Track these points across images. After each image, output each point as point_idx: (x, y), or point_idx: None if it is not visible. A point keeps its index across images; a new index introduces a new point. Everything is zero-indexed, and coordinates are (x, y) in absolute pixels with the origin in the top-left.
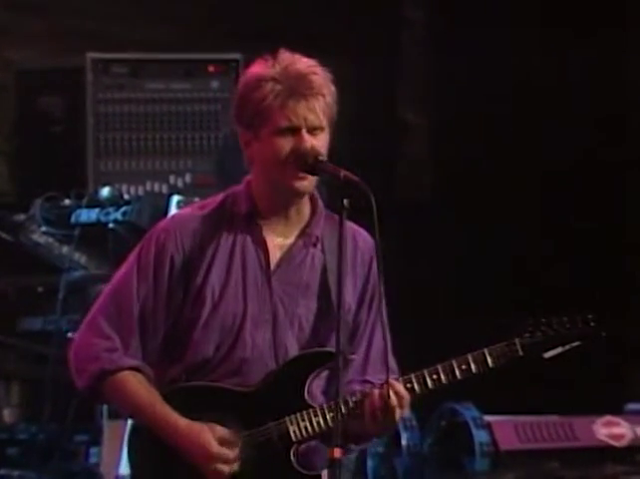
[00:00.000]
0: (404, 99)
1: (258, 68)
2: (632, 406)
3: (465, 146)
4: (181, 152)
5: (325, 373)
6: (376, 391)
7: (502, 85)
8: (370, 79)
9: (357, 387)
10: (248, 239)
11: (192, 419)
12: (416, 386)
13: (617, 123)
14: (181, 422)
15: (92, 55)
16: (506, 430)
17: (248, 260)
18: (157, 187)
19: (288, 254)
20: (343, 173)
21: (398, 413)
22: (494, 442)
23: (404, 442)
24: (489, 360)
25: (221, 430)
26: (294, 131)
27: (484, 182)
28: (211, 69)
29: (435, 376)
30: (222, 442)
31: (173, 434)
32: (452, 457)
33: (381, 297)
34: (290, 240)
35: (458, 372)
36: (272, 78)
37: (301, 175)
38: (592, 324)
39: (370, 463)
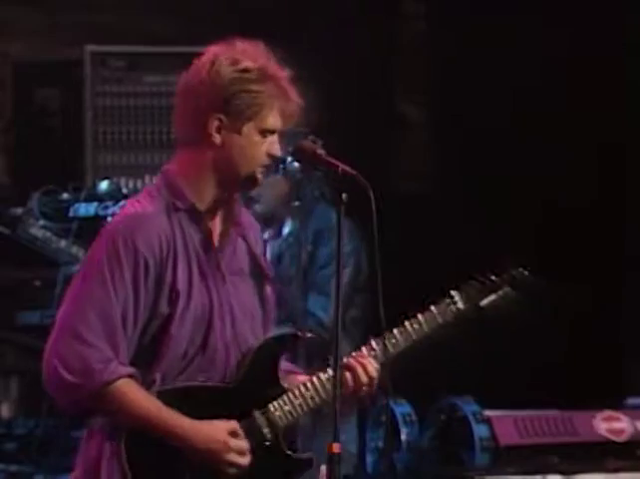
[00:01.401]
0: (403, 92)
1: (249, 59)
2: (632, 401)
3: (464, 139)
4: None
5: None
6: (359, 369)
7: (502, 79)
8: (370, 72)
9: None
10: (196, 230)
11: None
12: (379, 352)
13: (617, 123)
14: (188, 422)
15: (90, 48)
16: (506, 425)
17: (200, 253)
18: (155, 180)
19: (226, 243)
20: (341, 166)
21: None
22: (494, 437)
23: (403, 437)
24: (438, 317)
25: (230, 423)
26: (273, 133)
27: (484, 175)
28: None
29: (393, 340)
30: (233, 435)
31: (184, 436)
32: (451, 452)
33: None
34: (223, 229)
35: (411, 331)
36: (272, 76)
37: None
38: (521, 272)
39: (369, 458)
